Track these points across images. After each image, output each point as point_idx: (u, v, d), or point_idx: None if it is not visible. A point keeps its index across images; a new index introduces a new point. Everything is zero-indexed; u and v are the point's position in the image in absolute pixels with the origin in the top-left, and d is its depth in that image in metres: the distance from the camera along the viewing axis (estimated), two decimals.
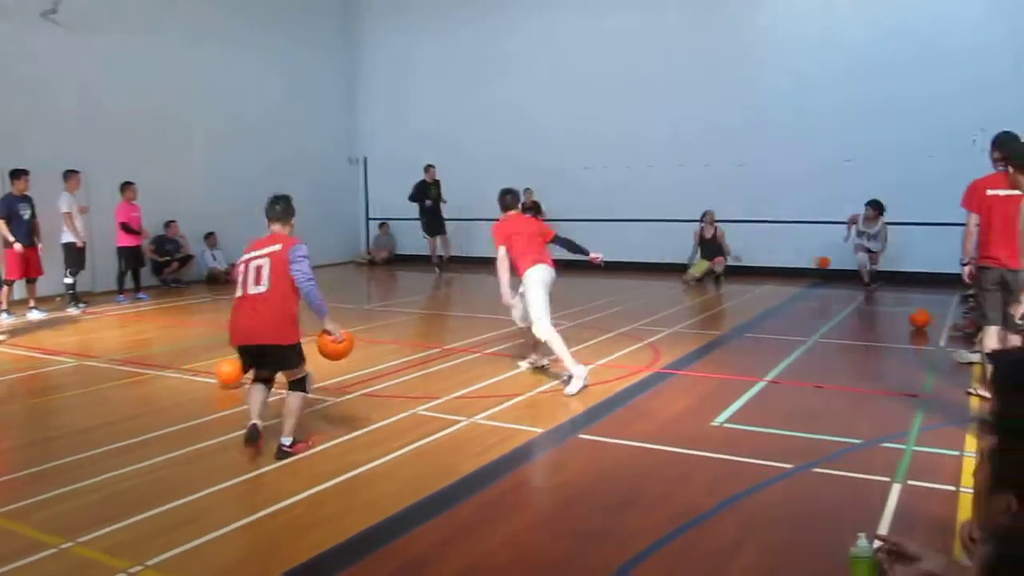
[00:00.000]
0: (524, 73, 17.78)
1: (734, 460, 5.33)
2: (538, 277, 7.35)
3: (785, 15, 15.45)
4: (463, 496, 4.82)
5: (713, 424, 6.15)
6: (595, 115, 17.01)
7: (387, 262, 19.29)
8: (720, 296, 13.50)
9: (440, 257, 17.28)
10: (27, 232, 11.74)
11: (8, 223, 11.54)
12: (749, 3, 15.95)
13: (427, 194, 17.06)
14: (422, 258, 18.37)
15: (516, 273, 7.43)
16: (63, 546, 4.16)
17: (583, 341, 9.31)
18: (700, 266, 14.74)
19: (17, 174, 11.75)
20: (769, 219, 15.61)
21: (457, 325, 10.93)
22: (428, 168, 17.13)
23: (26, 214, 11.73)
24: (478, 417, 6.32)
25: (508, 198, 7.87)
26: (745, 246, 15.08)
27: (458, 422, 6.20)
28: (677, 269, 15.29)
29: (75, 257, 12.66)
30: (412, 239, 19.19)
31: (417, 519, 4.49)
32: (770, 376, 7.60)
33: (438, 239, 17.31)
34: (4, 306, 11.73)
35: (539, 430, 6.02)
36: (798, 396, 7.04)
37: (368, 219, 20.36)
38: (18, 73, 13.25)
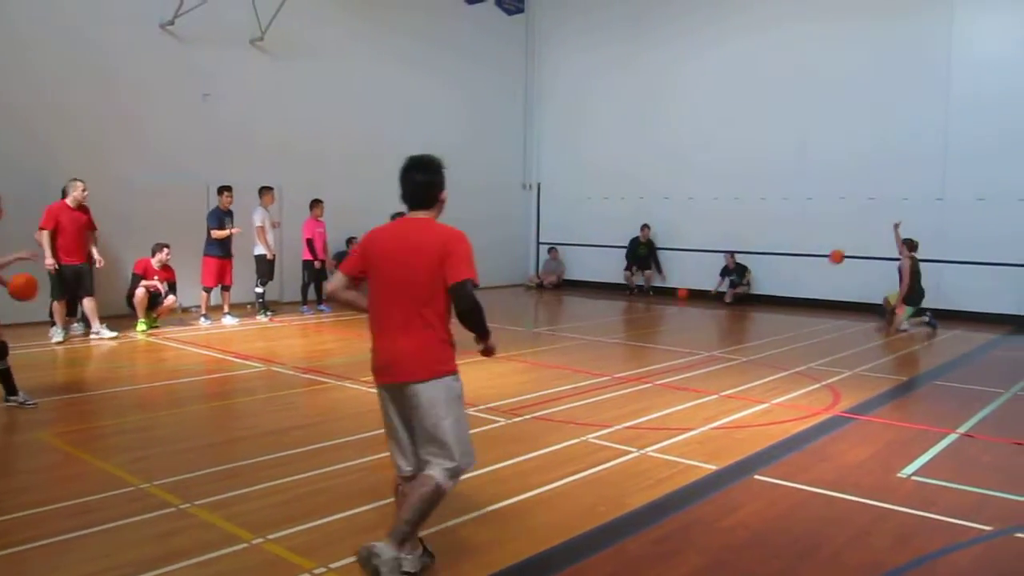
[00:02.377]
0: (698, 103, 17.55)
1: (924, 516, 4.99)
2: None
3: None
4: (632, 531, 4.75)
5: (900, 475, 5.79)
6: (771, 144, 16.55)
7: (556, 287, 19.44)
8: (906, 339, 12.71)
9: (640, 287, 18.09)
10: (224, 243, 12.65)
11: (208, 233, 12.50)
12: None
13: (635, 251, 18.09)
14: (590, 284, 18.45)
15: None
16: (254, 541, 4.41)
17: (757, 378, 9.03)
18: (905, 312, 13.16)
19: (223, 190, 12.69)
20: (969, 259, 14.57)
21: (628, 353, 10.86)
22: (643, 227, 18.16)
23: (229, 226, 12.66)
24: (649, 449, 6.23)
25: None
26: (936, 286, 14.15)
27: (628, 453, 6.14)
28: (861, 309, 14.58)
29: (265, 268, 13.51)
30: (581, 264, 19.35)
31: (584, 551, 4.45)
32: (963, 428, 7.09)
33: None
34: (204, 311, 12.67)
35: (713, 467, 5.86)
36: (996, 452, 6.51)
37: (539, 243, 20.61)
38: (226, 96, 14.34)
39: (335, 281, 4.22)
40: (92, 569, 4.06)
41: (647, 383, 8.71)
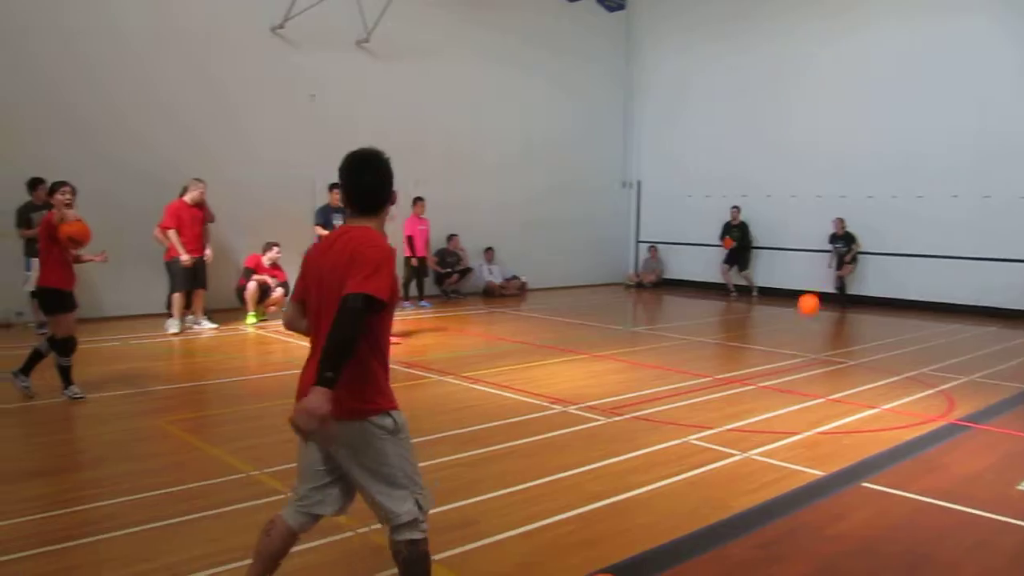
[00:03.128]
0: (802, 100, 17.06)
1: None
2: None
3: None
4: (735, 534, 4.65)
5: (1020, 488, 5.50)
6: (878, 141, 15.94)
7: (655, 286, 19.23)
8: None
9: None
10: None
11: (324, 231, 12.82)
12: None
13: (729, 235, 17.52)
14: (690, 283, 18.18)
15: None
16: (359, 530, 4.51)
17: (865, 382, 8.73)
18: None
19: (332, 187, 13.00)
20: None
21: (728, 354, 10.66)
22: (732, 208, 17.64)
23: (339, 222, 12.94)
24: (753, 452, 6.10)
25: None
26: None
27: (731, 456, 6.02)
28: (975, 313, 13.93)
29: None
30: (680, 263, 19.11)
31: (686, 552, 4.39)
32: None
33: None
34: None
35: (819, 473, 5.69)
36: None
37: (638, 242, 20.42)
38: (333, 96, 14.69)
39: (287, 311, 3.57)
40: (203, 552, 4.22)
41: (749, 385, 8.52)
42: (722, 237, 17.62)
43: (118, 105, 12.34)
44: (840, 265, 16.05)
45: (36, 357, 7.48)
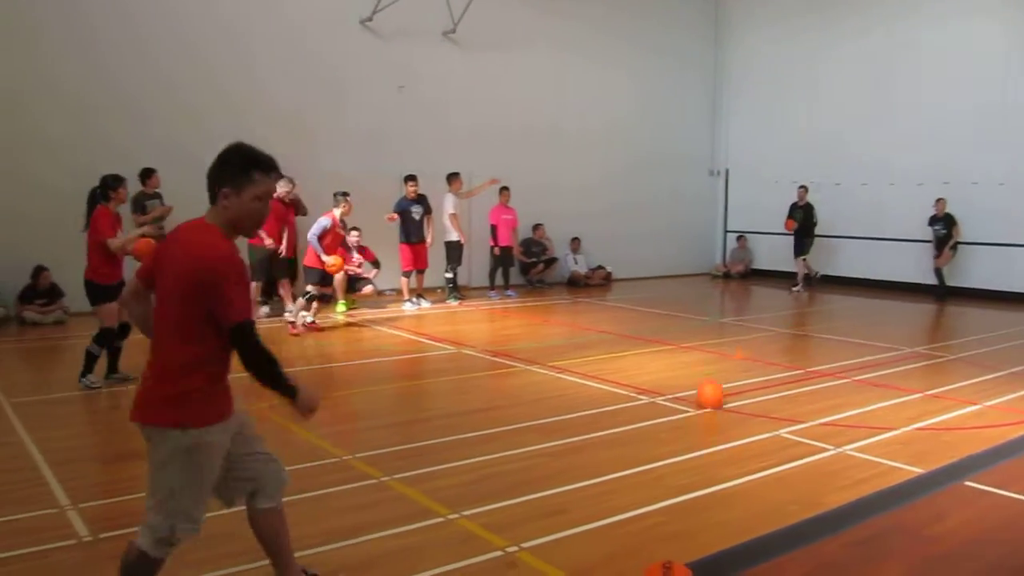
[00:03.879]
0: (899, 89, 16.43)
1: None
2: None
3: None
4: (828, 531, 4.55)
5: None
6: (978, 126, 15.23)
7: (743, 276, 18.87)
8: None
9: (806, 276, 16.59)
10: (416, 230, 13.08)
11: (401, 222, 12.99)
12: None
13: (792, 216, 16.57)
14: (780, 274, 17.77)
15: None
16: (449, 516, 4.59)
17: (967, 377, 8.40)
18: None
19: (408, 179, 13.16)
20: None
21: (820, 346, 10.38)
22: (799, 188, 16.63)
23: (417, 214, 13.09)
24: (847, 448, 5.94)
25: None
26: None
27: (824, 450, 5.88)
28: None
29: (457, 254, 13.92)
30: (770, 254, 18.68)
31: (777, 548, 4.32)
32: None
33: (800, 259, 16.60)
34: (406, 295, 13.23)
35: (916, 470, 5.51)
36: None
37: (726, 231, 20.07)
38: (420, 87, 14.88)
39: (126, 287, 3.50)
40: (300, 533, 4.32)
41: (843, 378, 8.29)
42: (788, 219, 16.77)
43: (224, 95, 12.86)
44: (939, 250, 15.34)
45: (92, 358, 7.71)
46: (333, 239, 10.95)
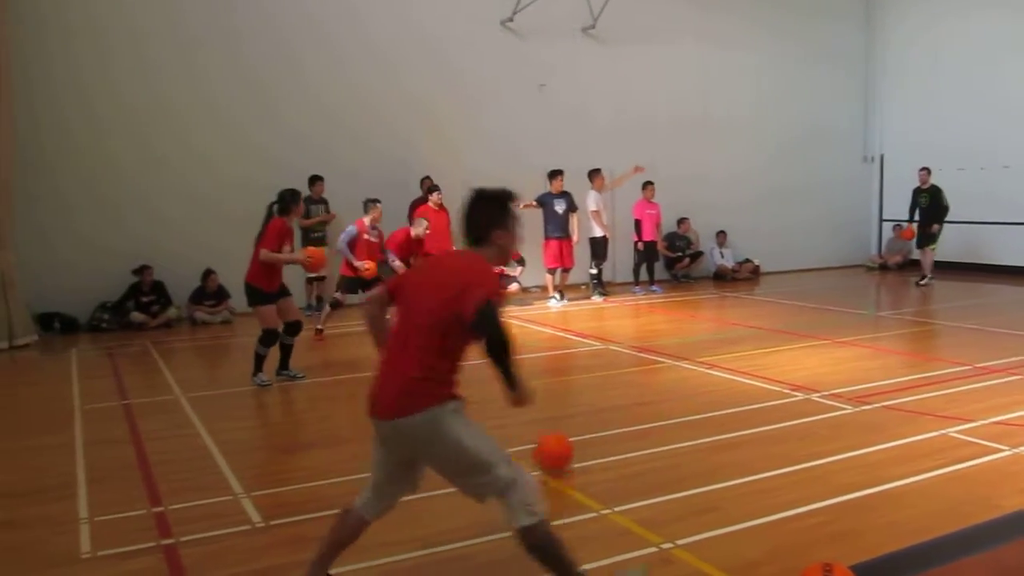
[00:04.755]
0: None
1: None
2: None
3: None
4: (1008, 536, 4.28)
5: None
6: None
7: (900, 267, 17.95)
8: None
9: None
10: (561, 225, 13.14)
11: (545, 217, 13.08)
12: None
13: (916, 201, 15.43)
14: (946, 264, 16.74)
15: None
16: (602, 512, 4.60)
17: None
18: None
19: (553, 174, 13.22)
20: None
21: (988, 340, 9.72)
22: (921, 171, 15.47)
23: (560, 208, 13.15)
24: (1023, 449, 5.58)
25: None
26: None
27: (999, 451, 5.53)
28: None
29: (601, 250, 13.91)
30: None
31: (952, 552, 4.10)
32: None
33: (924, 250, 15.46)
34: (551, 292, 13.33)
35: None
36: None
37: (881, 220, 19.14)
38: (561, 85, 14.94)
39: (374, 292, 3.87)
40: (447, 527, 4.43)
41: (1016, 375, 7.76)
42: (911, 206, 15.46)
43: (370, 99, 13.44)
44: None
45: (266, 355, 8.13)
46: (364, 245, 10.35)
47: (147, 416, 7.04)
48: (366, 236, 10.34)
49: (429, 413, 3.22)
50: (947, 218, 15.48)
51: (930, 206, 15.16)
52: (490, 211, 3.47)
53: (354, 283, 10.29)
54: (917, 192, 15.47)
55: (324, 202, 12.73)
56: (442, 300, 3.24)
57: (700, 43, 16.50)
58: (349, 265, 10.25)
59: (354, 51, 13.33)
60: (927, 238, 15.25)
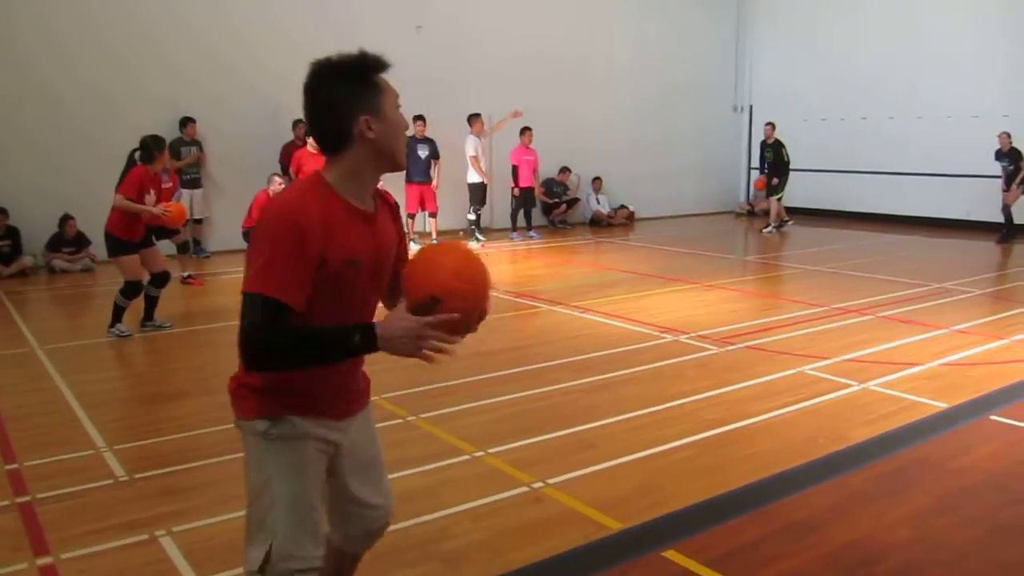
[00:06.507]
0: (932, 17, 16.00)
1: None
2: None
3: None
4: (854, 464, 4.59)
5: None
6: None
7: (766, 213, 18.64)
8: None
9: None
10: (422, 170, 13.11)
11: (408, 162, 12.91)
12: None
13: (763, 155, 16.14)
14: (809, 211, 17.56)
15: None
16: (475, 454, 4.67)
17: (995, 312, 8.37)
18: None
19: (416, 119, 13.05)
20: None
21: (846, 283, 10.27)
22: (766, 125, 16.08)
23: (423, 153, 13.08)
24: (871, 383, 5.96)
25: None
26: None
27: (849, 386, 5.90)
28: None
29: (478, 195, 13.90)
30: (796, 190, 18.39)
31: (803, 481, 4.37)
32: None
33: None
34: (411, 234, 13.24)
35: (942, 404, 5.52)
36: None
37: (750, 169, 19.84)
38: (438, 28, 14.61)
39: None
40: None
41: (868, 315, 8.27)
42: (760, 159, 16.24)
43: (243, 35, 12.76)
44: (1007, 186, 14.26)
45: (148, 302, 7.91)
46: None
47: None
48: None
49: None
50: (811, 166, 16.16)
51: (774, 160, 15.85)
52: (342, 91, 2.21)
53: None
54: (763, 146, 16.17)
55: (197, 143, 12.21)
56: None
57: None
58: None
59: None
60: (772, 189, 15.97)
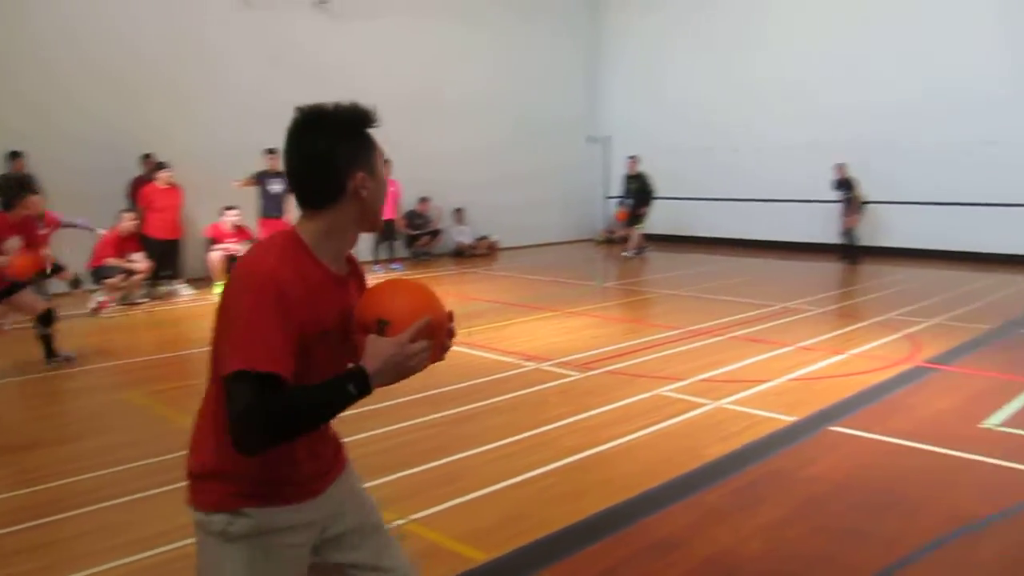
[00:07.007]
0: (785, 48, 17.00)
1: (1012, 468, 4.87)
2: None
3: None
4: (710, 482, 4.74)
5: (983, 426, 5.65)
6: (889, 87, 15.69)
7: (624, 240, 19.22)
8: (994, 286, 12.29)
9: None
10: (276, 205, 12.65)
11: (260, 195, 12.60)
12: None
13: (627, 186, 16.85)
14: (663, 238, 18.18)
15: None
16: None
17: (834, 329, 8.88)
18: None
19: (269, 152, 12.67)
20: None
21: (700, 306, 10.68)
22: (629, 159, 16.86)
23: (276, 188, 12.56)
24: (724, 401, 6.20)
25: None
26: None
27: (703, 405, 6.11)
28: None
29: None
30: (655, 218, 19.03)
31: (663, 501, 4.48)
32: None
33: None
34: None
35: (790, 419, 5.80)
36: None
37: (607, 197, 20.42)
38: (294, 60, 14.40)
39: None
40: (169, 527, 4.19)
41: (720, 336, 8.62)
42: (623, 190, 16.99)
43: (96, 64, 12.15)
44: (845, 213, 15.31)
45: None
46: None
47: None
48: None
49: None
50: (664, 194, 16.91)
51: (639, 190, 16.52)
52: (341, 144, 2.08)
53: None
54: (628, 178, 16.84)
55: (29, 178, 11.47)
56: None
57: (433, 20, 16.56)
58: None
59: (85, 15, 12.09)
60: (635, 219, 16.63)
